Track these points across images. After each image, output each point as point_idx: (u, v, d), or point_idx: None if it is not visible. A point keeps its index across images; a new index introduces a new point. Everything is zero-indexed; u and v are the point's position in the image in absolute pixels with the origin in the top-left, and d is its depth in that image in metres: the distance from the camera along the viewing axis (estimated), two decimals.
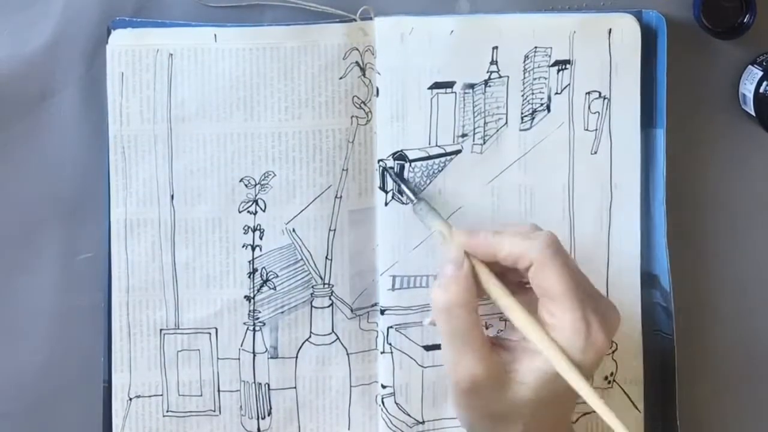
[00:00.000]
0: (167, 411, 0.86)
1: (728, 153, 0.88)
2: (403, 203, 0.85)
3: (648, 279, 0.87)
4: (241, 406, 0.86)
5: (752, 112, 0.85)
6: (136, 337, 0.85)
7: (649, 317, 0.87)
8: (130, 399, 0.85)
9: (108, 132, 0.85)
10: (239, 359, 0.86)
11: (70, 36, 0.85)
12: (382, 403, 0.87)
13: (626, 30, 0.85)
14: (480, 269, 0.78)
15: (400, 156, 0.85)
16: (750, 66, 0.87)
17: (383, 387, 0.86)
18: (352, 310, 0.86)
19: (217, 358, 0.86)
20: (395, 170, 0.85)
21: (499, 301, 0.77)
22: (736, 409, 0.89)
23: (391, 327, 0.86)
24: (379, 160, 0.86)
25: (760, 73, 0.85)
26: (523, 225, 0.79)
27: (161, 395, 0.86)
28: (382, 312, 0.86)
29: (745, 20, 0.86)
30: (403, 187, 0.85)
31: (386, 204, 0.86)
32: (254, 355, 0.86)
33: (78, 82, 0.86)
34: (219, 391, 0.86)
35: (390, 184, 0.85)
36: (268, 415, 0.86)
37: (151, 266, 0.85)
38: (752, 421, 0.89)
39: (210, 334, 0.86)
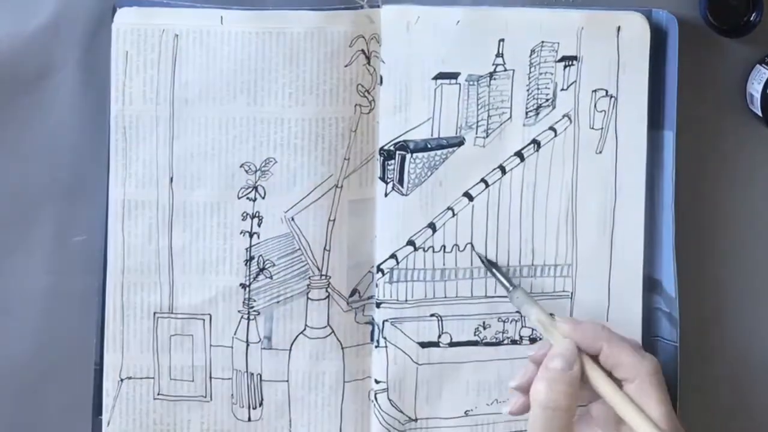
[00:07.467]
0: (158, 394, 0.85)
1: (735, 153, 0.88)
2: (403, 195, 0.85)
3: (650, 284, 0.86)
4: (232, 394, 0.85)
5: (759, 112, 0.85)
6: (129, 319, 0.85)
7: (650, 323, 0.86)
8: (122, 380, 0.85)
9: (108, 113, 0.84)
10: (232, 347, 0.85)
11: (71, 15, 0.85)
12: (375, 398, 0.85)
13: (635, 29, 0.85)
14: (589, 366, 0.77)
15: (401, 146, 0.85)
16: (757, 65, 0.86)
17: (377, 382, 0.85)
18: (347, 303, 0.85)
19: (210, 345, 0.85)
20: (485, 256, 0.84)
21: (608, 397, 0.76)
22: (736, 417, 0.88)
23: (387, 321, 0.85)
24: (380, 149, 0.85)
25: None
26: (631, 338, 0.79)
27: (152, 378, 0.85)
28: (378, 305, 0.85)
29: (752, 18, 0.86)
30: (498, 275, 0.84)
31: (386, 195, 0.85)
32: (247, 345, 0.85)
33: (79, 61, 0.85)
34: (211, 377, 0.85)
35: (390, 174, 0.85)
36: (260, 405, 0.85)
37: (147, 249, 0.85)
38: (753, 429, 0.88)
39: (204, 320, 0.85)
